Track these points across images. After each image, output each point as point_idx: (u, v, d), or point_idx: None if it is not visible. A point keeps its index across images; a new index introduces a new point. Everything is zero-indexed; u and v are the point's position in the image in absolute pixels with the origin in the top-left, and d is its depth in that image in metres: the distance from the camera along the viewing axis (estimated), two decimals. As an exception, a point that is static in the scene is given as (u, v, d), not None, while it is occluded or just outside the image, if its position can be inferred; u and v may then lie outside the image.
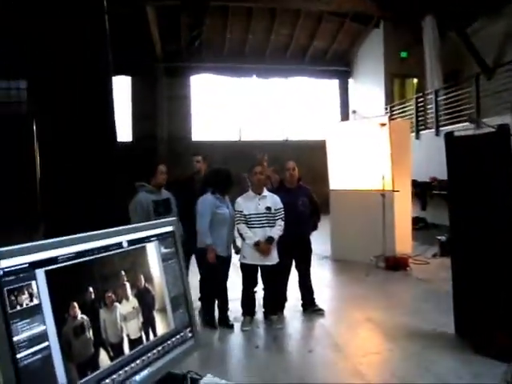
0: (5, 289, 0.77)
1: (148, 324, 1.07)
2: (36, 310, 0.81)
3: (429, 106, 13.00)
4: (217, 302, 4.71)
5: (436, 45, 13.35)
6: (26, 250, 0.81)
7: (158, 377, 1.06)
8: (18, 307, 0.79)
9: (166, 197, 4.61)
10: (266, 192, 4.63)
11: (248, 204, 4.53)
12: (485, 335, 3.76)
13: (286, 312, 4.99)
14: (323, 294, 5.71)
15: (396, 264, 6.99)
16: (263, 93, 17.54)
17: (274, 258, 4.53)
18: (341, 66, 17.73)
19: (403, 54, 15.13)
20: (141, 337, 1.05)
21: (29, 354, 0.80)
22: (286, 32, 15.86)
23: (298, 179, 5.15)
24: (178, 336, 1.15)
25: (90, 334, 0.93)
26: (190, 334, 1.20)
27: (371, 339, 4.30)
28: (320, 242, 8.84)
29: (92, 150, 3.52)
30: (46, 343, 0.82)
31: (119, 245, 1.03)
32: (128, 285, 1.03)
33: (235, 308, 4.81)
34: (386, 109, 15.08)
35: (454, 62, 13.88)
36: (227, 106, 17.34)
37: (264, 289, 4.77)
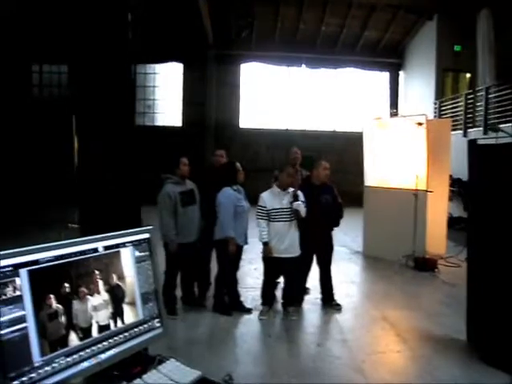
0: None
1: (117, 314, 1.32)
2: (18, 300, 1.06)
3: (478, 104, 12.67)
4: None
5: (490, 39, 12.92)
6: (12, 255, 1.06)
7: (123, 356, 1.30)
8: (3, 297, 1.04)
9: (191, 187, 4.87)
10: (290, 188, 4.80)
11: (272, 199, 4.73)
12: (492, 345, 3.82)
13: (305, 305, 5.19)
14: (346, 289, 5.89)
15: (424, 265, 7.01)
16: (312, 82, 17.55)
17: (295, 251, 4.73)
18: (392, 58, 17.44)
19: (457, 48, 14.73)
20: (109, 324, 1.30)
21: (10, 331, 1.05)
22: (337, 22, 15.76)
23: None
24: (145, 325, 1.40)
25: (62, 319, 1.18)
26: (158, 324, 1.44)
27: (381, 338, 4.42)
28: (353, 235, 8.99)
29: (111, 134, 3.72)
30: (24, 324, 1.08)
31: (95, 250, 1.26)
32: (100, 282, 1.27)
33: (256, 296, 5.06)
34: (435, 104, 14.79)
35: (509, 59, 13.41)
36: (276, 95, 17.49)
37: (284, 281, 4.99)
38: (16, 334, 1.06)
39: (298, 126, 17.31)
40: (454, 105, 13.80)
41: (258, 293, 5.05)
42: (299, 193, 4.72)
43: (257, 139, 16.75)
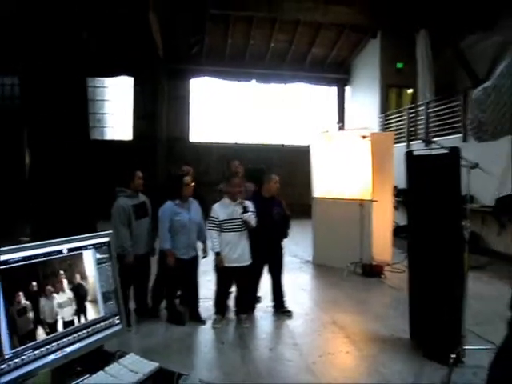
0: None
1: (80, 311, 1.42)
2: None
3: (420, 118, 13.33)
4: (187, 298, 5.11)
5: (428, 58, 13.66)
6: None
7: (86, 351, 1.41)
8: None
9: (143, 200, 4.96)
10: (241, 199, 4.95)
11: (224, 210, 4.87)
12: (431, 340, 4.10)
13: (257, 313, 5.33)
14: (297, 297, 6.07)
15: (371, 271, 7.32)
16: (262, 97, 17.90)
17: (246, 260, 4.88)
18: (339, 74, 18.04)
19: (399, 65, 15.43)
20: (73, 320, 1.40)
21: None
22: (285, 38, 16.17)
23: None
24: (106, 321, 1.51)
25: (30, 314, 1.27)
26: (117, 321, 1.55)
27: (331, 341, 4.61)
28: (303, 245, 9.23)
29: (65, 148, 3.76)
30: (-6, 321, 1.17)
31: (59, 251, 1.36)
32: (65, 281, 1.37)
33: (210, 306, 5.15)
34: (380, 117, 15.42)
35: (446, 76, 14.20)
36: (226, 110, 17.71)
37: (236, 290, 5.12)
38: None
39: (247, 139, 17.57)
40: (398, 118, 14.43)
41: (211, 303, 5.15)
42: (248, 204, 4.88)
43: (207, 153, 16.86)
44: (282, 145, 17.73)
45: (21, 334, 1.24)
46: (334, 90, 18.51)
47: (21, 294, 1.25)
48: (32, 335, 1.28)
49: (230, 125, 17.69)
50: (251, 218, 4.78)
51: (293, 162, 16.02)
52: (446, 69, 14.18)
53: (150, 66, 15.68)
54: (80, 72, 3.73)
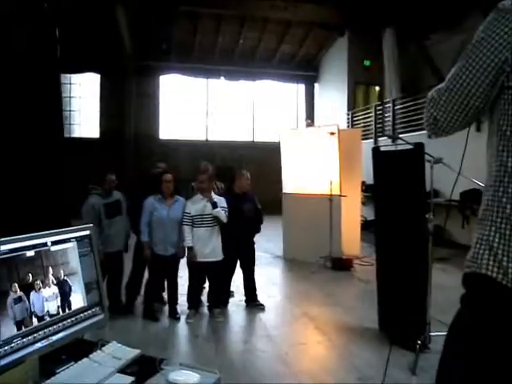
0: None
1: (64, 302, 1.48)
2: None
3: (387, 114, 13.62)
4: (165, 295, 5.16)
5: (394, 56, 13.97)
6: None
7: (72, 338, 1.47)
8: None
9: (117, 198, 4.98)
10: (213, 195, 5.02)
11: (195, 206, 4.93)
12: (398, 329, 4.26)
13: (230, 307, 5.42)
14: (269, 291, 6.18)
15: (341, 264, 7.49)
16: (231, 94, 17.95)
17: (218, 255, 4.96)
18: (308, 71, 18.23)
19: (366, 63, 15.68)
20: (59, 311, 1.45)
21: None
22: (254, 36, 16.24)
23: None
24: (89, 311, 1.57)
25: (26, 304, 1.34)
26: (100, 311, 1.61)
27: (303, 332, 4.75)
28: (275, 241, 9.34)
29: (38, 145, 3.75)
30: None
31: (44, 244, 1.42)
32: (51, 278, 1.44)
33: (182, 302, 5.21)
34: (348, 114, 15.68)
35: (412, 73, 14.55)
36: (195, 106, 17.69)
37: (209, 285, 5.20)
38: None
39: (217, 136, 17.60)
40: (366, 115, 14.71)
41: (183, 299, 5.20)
42: (218, 199, 4.95)
43: (177, 150, 16.79)
44: (253, 141, 17.85)
45: (18, 320, 1.32)
46: (302, 87, 18.69)
47: (16, 284, 1.32)
48: (27, 322, 1.35)
49: (199, 122, 17.69)
50: (220, 213, 4.85)
51: (263, 159, 16.10)
52: (412, 67, 14.54)
53: (118, 62, 15.52)
54: (54, 68, 3.72)
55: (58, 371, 1.38)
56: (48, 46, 3.97)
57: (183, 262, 5.20)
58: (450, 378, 1.27)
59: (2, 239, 1.29)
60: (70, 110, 16.59)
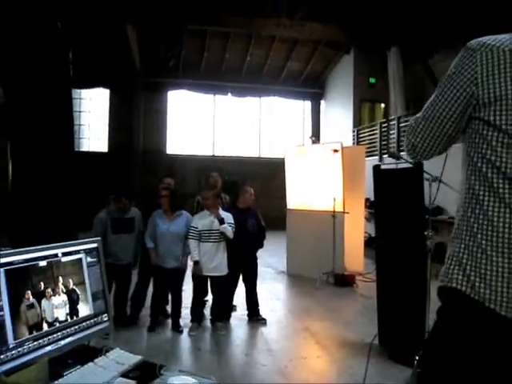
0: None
1: (72, 310, 1.59)
2: (-4, 293, 1.32)
3: (391, 132, 13.74)
4: (169, 308, 5.27)
5: (399, 74, 14.14)
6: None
7: (78, 344, 1.58)
8: (-15, 291, 1.30)
9: (131, 216, 5.11)
10: (220, 211, 5.14)
11: (202, 221, 5.05)
12: (397, 344, 4.33)
13: (232, 321, 5.50)
14: (271, 305, 6.26)
15: (343, 281, 7.56)
16: (238, 110, 18.18)
17: (223, 270, 5.06)
18: (314, 88, 18.43)
19: (372, 80, 15.86)
20: (67, 318, 1.57)
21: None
22: (261, 53, 16.48)
23: (249, 201, 5.68)
24: (95, 319, 1.68)
25: (37, 310, 1.45)
26: (106, 318, 1.72)
27: (303, 346, 4.83)
28: (278, 256, 9.42)
29: (50, 159, 3.89)
30: (1, 313, 1.33)
31: (56, 255, 1.54)
32: (61, 286, 1.56)
33: (185, 315, 5.30)
34: (354, 131, 15.82)
35: (417, 91, 14.70)
36: (202, 122, 17.92)
37: (212, 298, 5.29)
38: (-6, 320, 1.31)
39: (223, 152, 17.79)
40: (371, 132, 14.84)
41: (186, 312, 5.29)
42: (225, 216, 5.07)
43: (184, 165, 16.98)
44: (259, 157, 18.02)
45: (30, 325, 1.43)
46: (308, 103, 18.90)
47: (29, 292, 1.44)
48: (39, 327, 1.47)
49: (206, 137, 17.90)
50: (227, 229, 4.96)
51: (269, 175, 16.25)
52: (416, 85, 14.70)
53: (127, 78, 15.81)
54: (66, 83, 3.87)
55: (65, 374, 1.49)
56: (61, 64, 4.14)
57: (188, 275, 5.30)
58: None
59: (17, 250, 1.41)
60: (79, 125, 16.86)
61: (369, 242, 9.50)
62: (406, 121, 12.97)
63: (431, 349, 1.37)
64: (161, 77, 16.59)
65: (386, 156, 13.51)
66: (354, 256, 8.29)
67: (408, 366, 4.00)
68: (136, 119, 16.42)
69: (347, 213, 7.80)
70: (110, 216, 4.97)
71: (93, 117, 17.09)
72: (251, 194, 5.61)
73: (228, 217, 5.09)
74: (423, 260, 4.16)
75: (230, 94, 17.73)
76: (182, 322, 5.20)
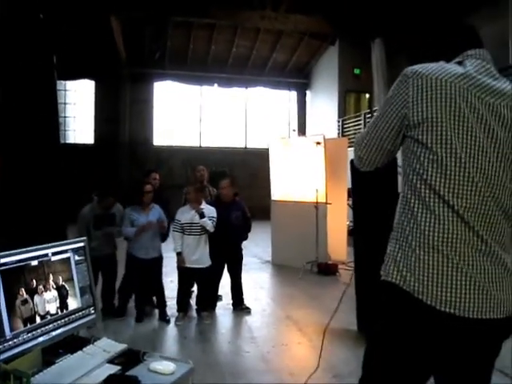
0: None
1: (62, 304, 1.76)
2: (-8, 291, 1.49)
3: (376, 122, 13.95)
4: (155, 298, 5.45)
5: (383, 66, 14.28)
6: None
7: (68, 334, 1.75)
8: (-18, 289, 1.47)
9: (112, 211, 5.26)
10: (203, 204, 5.29)
11: (185, 214, 5.22)
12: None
13: (217, 310, 5.69)
14: (256, 294, 6.46)
15: (327, 269, 7.78)
16: (224, 101, 18.27)
17: (205, 262, 5.24)
18: (299, 79, 18.59)
19: (356, 71, 16.03)
20: (57, 311, 1.74)
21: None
22: (247, 44, 16.59)
23: (234, 194, 5.82)
24: (83, 311, 1.85)
25: (31, 305, 1.62)
26: (92, 311, 1.89)
27: (285, 333, 5.03)
28: (264, 246, 9.62)
29: (36, 151, 3.96)
30: (-3, 308, 1.50)
31: (46, 255, 1.70)
32: (51, 283, 1.72)
33: (172, 305, 5.47)
34: (339, 122, 16.01)
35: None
36: (189, 113, 17.99)
37: (197, 289, 5.48)
38: (-8, 314, 1.48)
39: (210, 143, 17.90)
40: (356, 123, 15.05)
41: (174, 302, 5.47)
42: (208, 209, 5.23)
43: (171, 156, 17.10)
44: (245, 147, 18.17)
45: (25, 318, 1.60)
46: (294, 94, 19.03)
47: (23, 289, 1.60)
48: (32, 319, 1.63)
49: (193, 128, 17.99)
50: (206, 223, 5.11)
51: (256, 165, 16.39)
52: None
53: (112, 69, 15.80)
54: (50, 75, 3.93)
55: (56, 361, 1.66)
56: (44, 55, 4.20)
57: (174, 267, 5.48)
58: (370, 373, 1.59)
59: (12, 252, 1.57)
60: (64, 117, 16.85)
61: (352, 231, 9.70)
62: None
63: (374, 335, 1.59)
64: (147, 68, 16.62)
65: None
66: (338, 245, 8.51)
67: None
68: (122, 110, 16.45)
69: (330, 203, 8.00)
70: (92, 213, 5.14)
71: (78, 108, 17.08)
72: (223, 188, 5.68)
73: (211, 210, 5.25)
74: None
75: (216, 84, 17.84)
76: (169, 311, 5.37)
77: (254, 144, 18.21)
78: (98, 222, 5.13)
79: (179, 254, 5.18)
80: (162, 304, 5.35)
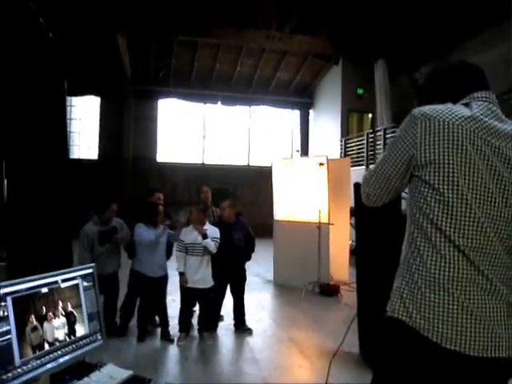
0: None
1: (70, 330, 1.78)
2: (5, 318, 1.50)
3: (378, 142, 14.01)
4: (158, 318, 5.45)
5: (386, 86, 14.44)
6: (2, 287, 1.51)
7: (75, 361, 1.77)
8: (-6, 317, 1.50)
9: (113, 226, 5.28)
10: (207, 225, 5.32)
11: (188, 235, 5.25)
12: (377, 353, 4.53)
13: (219, 330, 5.68)
14: (258, 315, 6.44)
15: (328, 290, 7.77)
16: (227, 119, 18.41)
17: (207, 282, 5.26)
18: (303, 98, 18.72)
19: (360, 91, 16.14)
20: (66, 338, 1.76)
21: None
22: (251, 63, 16.76)
23: (236, 214, 5.85)
24: (90, 337, 1.87)
25: (40, 332, 1.64)
26: (100, 337, 1.92)
27: (286, 356, 5.02)
28: (266, 265, 9.61)
29: (46, 166, 4.03)
30: (9, 336, 1.52)
31: (56, 282, 1.73)
32: (60, 310, 1.74)
33: (174, 325, 5.47)
34: (342, 141, 16.08)
35: (403, 103, 14.98)
36: (192, 130, 18.12)
37: (199, 309, 5.49)
38: (3, 343, 1.50)
39: (213, 160, 18.00)
40: (358, 143, 15.11)
41: (176, 322, 5.46)
42: (212, 230, 5.26)
43: (174, 173, 17.18)
44: (248, 165, 18.25)
45: (34, 345, 1.62)
46: (297, 113, 19.17)
47: (33, 316, 1.63)
48: (41, 346, 1.66)
49: (196, 145, 18.10)
50: (208, 244, 5.14)
51: (258, 183, 16.44)
52: (403, 96, 14.97)
53: (117, 86, 15.95)
54: (60, 92, 4.01)
55: (64, 388, 1.68)
56: (54, 74, 4.29)
57: (176, 286, 5.49)
58: None
59: (23, 279, 1.60)
60: (69, 132, 16.95)
61: (355, 251, 9.69)
62: (393, 131, 13.26)
63: (381, 371, 1.61)
64: (151, 85, 16.78)
65: (372, 166, 13.77)
66: (340, 266, 8.51)
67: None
68: (126, 127, 16.57)
69: (332, 224, 8.02)
70: (96, 229, 5.16)
71: (83, 124, 17.22)
72: (224, 208, 5.71)
73: (214, 231, 5.27)
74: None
75: (220, 102, 17.98)
76: (171, 331, 5.36)
77: (256, 162, 18.28)
78: (103, 238, 5.15)
79: (182, 274, 5.20)
80: (164, 323, 5.35)
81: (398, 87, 14.93)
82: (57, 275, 1.75)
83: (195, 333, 5.51)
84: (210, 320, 5.55)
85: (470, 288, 1.43)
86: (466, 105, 1.57)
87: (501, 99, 8.97)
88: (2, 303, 1.51)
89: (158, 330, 5.46)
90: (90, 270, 1.93)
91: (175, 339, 5.24)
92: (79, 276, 1.86)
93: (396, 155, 1.57)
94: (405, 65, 14.30)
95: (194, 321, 5.69)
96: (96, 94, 16.87)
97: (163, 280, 5.38)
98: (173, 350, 5.04)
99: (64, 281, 1.78)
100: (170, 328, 5.38)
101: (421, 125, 1.50)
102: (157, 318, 5.60)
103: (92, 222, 5.21)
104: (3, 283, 1.53)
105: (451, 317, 1.42)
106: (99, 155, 16.93)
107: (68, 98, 16.55)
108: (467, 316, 1.41)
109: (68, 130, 16.73)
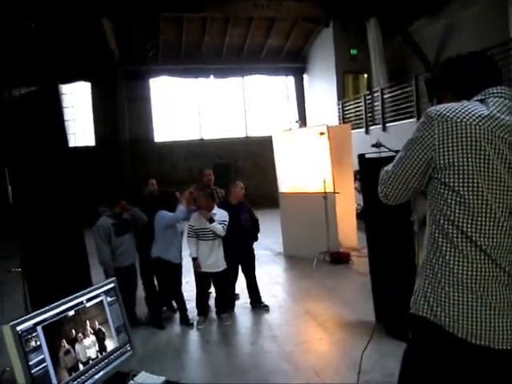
0: (23, 339, 1.49)
1: (101, 347, 1.81)
2: (38, 347, 1.53)
3: (376, 103, 13.87)
4: (175, 304, 5.53)
5: (379, 45, 14.22)
6: (31, 318, 1.53)
7: (109, 375, 1.81)
8: (30, 347, 1.52)
9: (124, 217, 5.30)
10: (215, 209, 5.33)
11: (198, 220, 5.27)
12: (394, 321, 4.60)
13: (236, 310, 5.77)
14: (272, 290, 6.53)
15: (339, 258, 7.83)
16: (221, 92, 18.21)
17: (219, 266, 5.31)
18: (296, 63, 18.46)
19: (353, 52, 15.89)
20: (97, 355, 1.79)
21: (36, 369, 1.52)
22: (240, 33, 16.46)
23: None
24: (121, 350, 1.90)
25: (73, 354, 1.67)
26: (129, 348, 1.95)
27: (305, 330, 5.11)
28: (274, 237, 9.63)
29: (48, 157, 4.01)
30: (45, 363, 1.55)
31: (81, 303, 1.75)
32: (89, 329, 1.77)
33: (191, 308, 5.55)
34: (339, 104, 15.94)
35: (398, 61, 14.80)
36: (187, 107, 17.95)
37: (215, 291, 5.57)
38: (40, 371, 1.53)
39: (212, 135, 17.88)
40: (356, 105, 14.97)
41: (192, 304, 5.54)
42: (220, 214, 5.28)
43: (173, 151, 17.11)
44: (247, 137, 18.17)
45: (69, 367, 1.65)
46: (291, 79, 18.94)
47: (64, 340, 1.66)
48: (76, 367, 1.69)
49: (193, 121, 17.96)
50: (215, 227, 5.16)
51: (258, 153, 16.35)
52: (398, 55, 14.79)
53: (107, 69, 15.72)
54: (51, 80, 3.93)
55: (102, 403, 1.73)
56: (44, 62, 4.23)
57: (188, 268, 5.60)
58: None
59: (49, 307, 1.62)
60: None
61: (361, 215, 9.74)
62: (390, 91, 13.11)
63: (407, 367, 1.66)
64: (141, 65, 16.50)
65: (372, 128, 13.71)
66: (348, 231, 8.56)
67: (405, 341, 4.28)
68: (120, 109, 16.41)
69: (338, 193, 8.02)
70: (110, 221, 5.16)
71: (76, 111, 17.04)
72: (241, 188, 5.77)
73: (222, 215, 5.29)
74: (409, 233, 4.39)
75: (212, 76, 17.74)
76: (189, 315, 5.43)
77: (255, 132, 18.16)
78: (118, 229, 5.16)
79: (195, 260, 5.25)
80: (183, 309, 5.42)
81: (392, 45, 14.71)
82: (81, 296, 1.78)
83: (213, 315, 5.59)
84: (227, 301, 5.63)
85: (493, 285, 1.47)
86: (482, 101, 1.55)
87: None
88: (34, 333, 1.53)
89: (177, 316, 5.53)
90: (112, 285, 1.95)
91: (194, 323, 5.32)
92: (102, 292, 1.88)
93: (414, 157, 1.58)
94: (398, 21, 14.05)
95: (211, 302, 5.77)
96: (86, 80, 16.64)
97: (181, 266, 5.46)
98: (193, 335, 5.14)
99: (88, 300, 1.80)
100: (188, 311, 5.46)
101: (438, 126, 1.50)
102: (174, 304, 5.67)
103: (104, 216, 5.21)
104: (32, 314, 1.55)
105: (475, 313, 1.47)
106: (96, 141, 16.82)
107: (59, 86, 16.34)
108: (491, 312, 1.46)
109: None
